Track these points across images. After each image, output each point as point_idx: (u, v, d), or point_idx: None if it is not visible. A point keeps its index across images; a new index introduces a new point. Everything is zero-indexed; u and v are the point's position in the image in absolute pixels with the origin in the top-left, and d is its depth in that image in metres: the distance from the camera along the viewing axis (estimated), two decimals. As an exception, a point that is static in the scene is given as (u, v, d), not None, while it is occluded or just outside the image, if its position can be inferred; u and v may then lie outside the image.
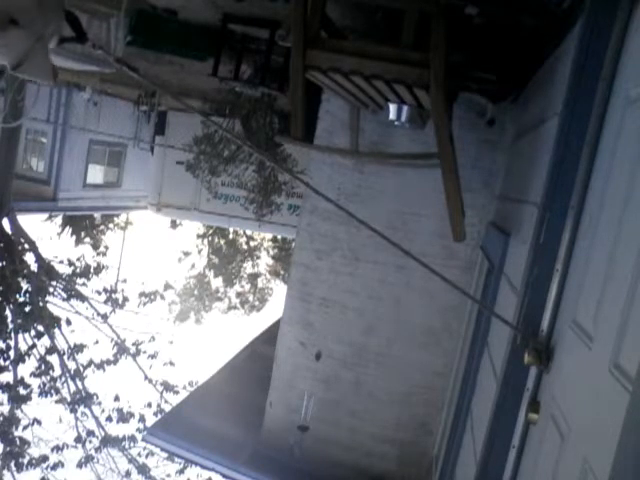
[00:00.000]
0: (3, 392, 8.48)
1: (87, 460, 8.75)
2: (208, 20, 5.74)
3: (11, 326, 8.78)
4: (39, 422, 8.60)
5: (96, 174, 15.06)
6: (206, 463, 5.15)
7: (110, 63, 4.21)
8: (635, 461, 0.97)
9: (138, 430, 8.94)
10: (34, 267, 9.50)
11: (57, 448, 8.55)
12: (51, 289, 9.59)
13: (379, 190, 4.83)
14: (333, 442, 5.06)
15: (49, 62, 1.50)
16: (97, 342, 9.54)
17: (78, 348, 9.15)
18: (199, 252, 18.93)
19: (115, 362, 9.41)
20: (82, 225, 17.09)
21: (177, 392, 9.48)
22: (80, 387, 8.99)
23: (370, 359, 4.98)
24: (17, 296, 8.93)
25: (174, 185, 11.09)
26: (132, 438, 8.88)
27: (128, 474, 9.21)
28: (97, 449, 8.83)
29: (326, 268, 4.99)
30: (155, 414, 9.18)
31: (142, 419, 9.08)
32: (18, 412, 8.53)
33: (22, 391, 8.57)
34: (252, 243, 18.98)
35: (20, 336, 8.85)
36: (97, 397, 9.01)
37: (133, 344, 9.72)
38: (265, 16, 5.32)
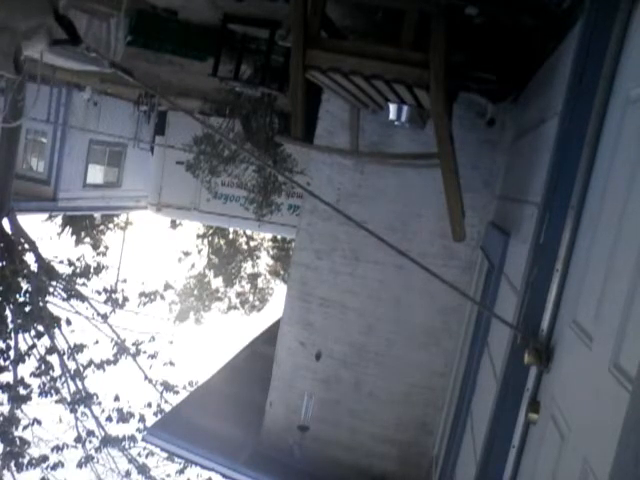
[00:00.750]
0: (3, 392, 8.48)
1: (87, 460, 8.74)
2: (208, 20, 5.74)
3: (11, 326, 8.77)
4: (39, 422, 8.59)
5: (96, 174, 15.06)
6: (206, 463, 5.16)
7: (102, 58, 4.21)
8: (635, 461, 0.97)
9: (138, 430, 8.93)
10: (34, 267, 9.50)
11: (57, 448, 8.54)
12: (51, 289, 9.59)
13: (379, 190, 4.83)
14: (333, 442, 5.07)
15: (11, 55, 1.46)
16: (97, 342, 9.53)
17: (78, 348, 9.14)
18: (199, 252, 18.94)
19: (115, 362, 9.40)
20: (82, 225, 17.09)
21: (177, 392, 9.48)
22: (80, 387, 8.99)
23: (370, 359, 4.98)
24: (17, 296, 8.92)
25: (174, 185, 11.09)
26: (132, 438, 8.88)
27: (128, 474, 9.21)
28: (97, 449, 8.82)
29: (326, 268, 5.00)
30: (155, 414, 9.17)
31: (142, 419, 9.08)
32: (18, 412, 8.53)
33: (22, 391, 8.56)
34: (252, 243, 18.98)
35: (20, 336, 8.85)
36: (97, 397, 9.00)
37: (133, 344, 9.71)
38: (265, 16, 5.32)
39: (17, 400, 8.46)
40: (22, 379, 8.65)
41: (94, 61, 4.33)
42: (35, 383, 8.74)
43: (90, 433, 8.84)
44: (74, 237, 16.83)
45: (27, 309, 8.99)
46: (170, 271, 23.47)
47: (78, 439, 8.76)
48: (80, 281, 9.93)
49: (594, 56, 2.10)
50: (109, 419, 8.97)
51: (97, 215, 17.29)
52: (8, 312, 8.76)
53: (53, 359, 8.96)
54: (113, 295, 9.96)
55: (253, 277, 19.25)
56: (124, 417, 9.02)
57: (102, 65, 4.50)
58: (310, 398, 4.94)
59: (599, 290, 1.65)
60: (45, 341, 9.02)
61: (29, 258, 9.52)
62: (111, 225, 18.35)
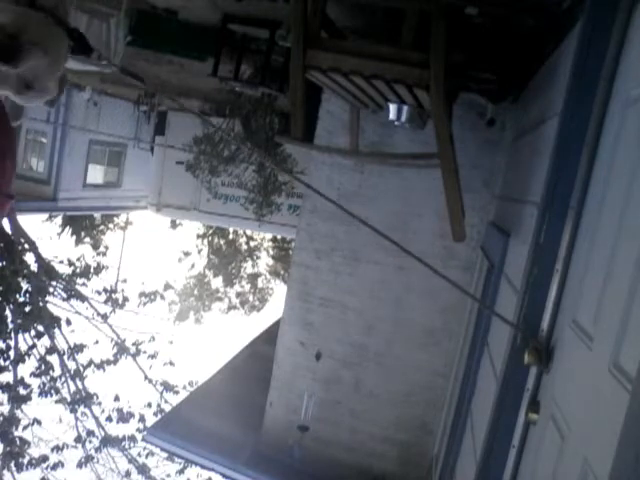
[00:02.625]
0: (3, 392, 8.47)
1: (87, 460, 8.74)
2: (208, 20, 5.74)
3: (11, 326, 8.77)
4: (39, 422, 8.59)
5: (96, 174, 15.04)
6: (206, 463, 5.16)
7: (110, 64, 4.22)
8: (635, 461, 0.97)
9: (138, 430, 8.93)
10: (34, 267, 9.49)
11: (57, 448, 8.54)
12: (51, 289, 9.58)
13: (379, 190, 4.83)
14: (333, 442, 5.07)
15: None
16: (97, 342, 9.52)
17: (78, 348, 9.13)
18: (199, 252, 18.92)
19: (115, 362, 9.40)
20: (82, 225, 17.07)
21: (177, 392, 9.47)
22: (80, 387, 8.99)
23: (370, 359, 4.98)
24: (17, 296, 8.91)
25: (174, 185, 11.09)
26: (132, 438, 8.87)
27: (128, 474, 9.21)
28: (97, 449, 8.82)
29: (326, 268, 5.00)
30: (155, 414, 9.16)
31: (142, 419, 9.07)
32: (18, 412, 8.53)
33: (22, 391, 8.56)
34: (252, 243, 18.97)
35: (20, 336, 8.84)
36: (97, 397, 9.00)
37: (133, 344, 9.70)
38: (265, 16, 5.32)
39: (17, 400, 8.45)
40: (22, 379, 8.64)
41: (94, 61, 4.33)
42: (35, 383, 8.74)
43: (90, 433, 8.83)
44: (74, 237, 16.82)
45: (27, 309, 8.97)
46: (170, 271, 23.51)
47: (78, 439, 8.76)
48: (80, 281, 9.92)
49: (594, 56, 2.10)
50: (109, 419, 8.96)
51: (97, 215, 17.28)
52: (8, 312, 8.76)
53: (53, 359, 8.96)
54: (113, 295, 9.95)
55: (253, 277, 19.23)
56: (124, 417, 9.01)
57: (102, 65, 4.50)
58: (310, 398, 4.94)
59: (599, 290, 1.65)
60: (45, 341, 9.02)
61: (29, 258, 9.51)
62: (111, 225, 18.33)
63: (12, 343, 8.77)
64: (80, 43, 1.40)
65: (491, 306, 3.25)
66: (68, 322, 9.26)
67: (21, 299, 9.00)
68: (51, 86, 1.33)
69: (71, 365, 9.08)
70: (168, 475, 9.40)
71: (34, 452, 8.49)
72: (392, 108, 3.28)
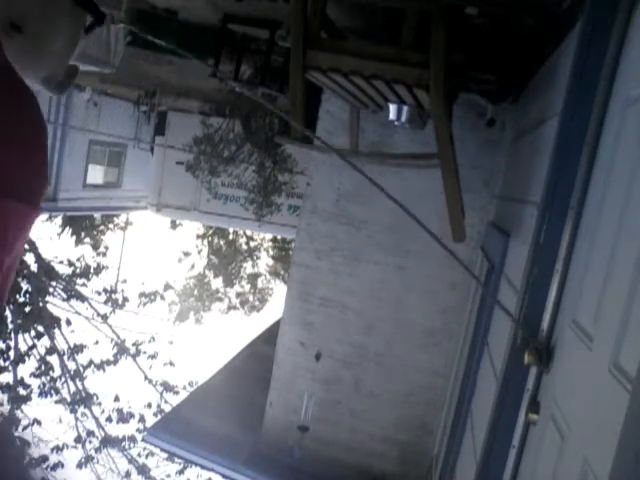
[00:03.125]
0: (3, 392, 8.47)
1: (87, 460, 8.74)
2: (208, 20, 5.74)
3: (11, 326, 8.77)
4: (39, 422, 8.59)
5: (96, 174, 15.02)
6: (206, 463, 5.16)
7: (110, 64, 4.21)
8: (635, 461, 0.97)
9: (138, 430, 8.94)
10: (34, 267, 9.49)
11: (57, 448, 8.54)
12: (51, 289, 9.58)
13: (379, 190, 4.83)
14: (333, 442, 5.07)
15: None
16: (97, 342, 9.53)
17: (78, 348, 9.14)
18: (199, 252, 18.92)
19: (115, 362, 9.40)
20: (82, 225, 17.07)
21: (177, 392, 9.48)
22: (80, 387, 8.99)
23: (370, 359, 4.98)
24: (17, 296, 8.91)
25: (174, 185, 11.10)
26: (132, 438, 8.88)
27: (128, 474, 9.21)
28: (97, 449, 8.82)
29: (326, 268, 4.99)
30: (155, 414, 9.17)
31: (142, 419, 9.08)
32: (18, 412, 8.53)
33: (22, 391, 8.56)
34: (252, 243, 18.96)
35: (20, 336, 8.84)
36: (97, 397, 9.01)
37: (133, 344, 9.71)
38: (265, 16, 5.32)
39: (17, 400, 8.45)
40: (22, 379, 8.64)
41: (94, 61, 4.33)
42: (35, 383, 8.74)
43: (90, 433, 8.83)
44: (74, 237, 16.81)
45: (27, 309, 8.98)
46: (170, 271, 23.47)
47: (78, 439, 8.76)
48: (80, 281, 9.92)
49: (594, 56, 2.10)
50: (109, 419, 8.97)
51: (97, 215, 17.27)
52: (8, 312, 8.76)
53: (53, 359, 8.96)
54: (113, 295, 9.96)
55: (253, 277, 19.23)
56: (124, 417, 9.02)
57: (102, 65, 4.50)
58: (310, 398, 4.94)
59: (599, 290, 1.65)
60: (45, 341, 9.02)
61: (29, 258, 9.51)
62: (111, 225, 18.32)
63: (12, 343, 8.77)
64: (91, 10, 1.31)
65: (491, 306, 3.25)
66: (68, 322, 9.26)
67: (21, 299, 9.00)
68: (50, 49, 1.20)
69: (71, 365, 9.08)
70: (168, 475, 9.41)
71: (34, 452, 8.49)
72: (392, 108, 3.29)
